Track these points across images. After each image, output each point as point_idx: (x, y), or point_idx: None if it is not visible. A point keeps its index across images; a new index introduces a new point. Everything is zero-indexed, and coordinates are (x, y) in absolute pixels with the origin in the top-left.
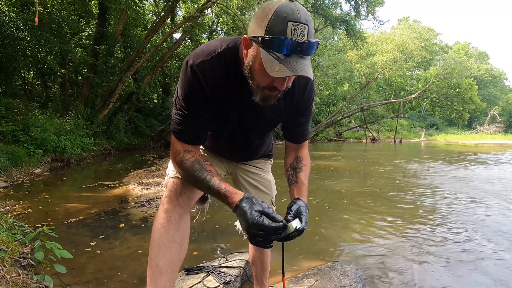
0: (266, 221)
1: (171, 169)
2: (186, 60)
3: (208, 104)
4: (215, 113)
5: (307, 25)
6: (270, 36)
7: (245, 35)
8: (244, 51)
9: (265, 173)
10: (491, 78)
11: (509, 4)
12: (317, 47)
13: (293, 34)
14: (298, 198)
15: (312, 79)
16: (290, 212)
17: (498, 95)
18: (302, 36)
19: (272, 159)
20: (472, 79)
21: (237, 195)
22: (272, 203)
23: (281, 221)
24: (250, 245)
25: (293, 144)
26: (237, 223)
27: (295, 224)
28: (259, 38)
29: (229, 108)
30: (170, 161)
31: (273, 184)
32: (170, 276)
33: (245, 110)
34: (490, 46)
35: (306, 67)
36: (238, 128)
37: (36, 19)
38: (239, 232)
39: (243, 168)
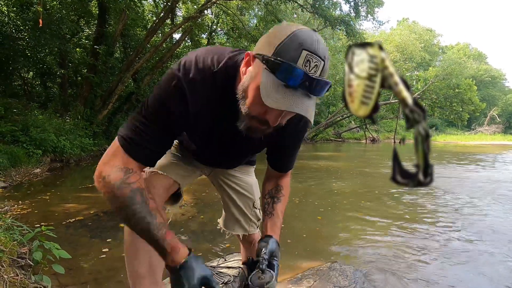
0: None
1: None
2: (174, 69)
3: (184, 124)
4: (195, 131)
5: (323, 61)
6: (278, 58)
7: (248, 51)
8: (243, 68)
9: (246, 176)
10: (490, 79)
11: (508, 5)
12: (328, 91)
13: (305, 66)
14: (270, 236)
15: (312, 123)
16: (264, 256)
17: (497, 96)
18: (315, 71)
19: (254, 165)
20: (471, 79)
21: (181, 253)
22: (255, 207)
23: (262, 269)
24: (242, 249)
25: (277, 172)
26: (220, 221)
27: (268, 279)
28: (265, 57)
29: (213, 129)
30: None
31: (256, 187)
32: (153, 279)
33: (231, 134)
34: (490, 47)
35: (310, 109)
36: (219, 149)
37: (41, 21)
38: (221, 231)
39: (223, 171)
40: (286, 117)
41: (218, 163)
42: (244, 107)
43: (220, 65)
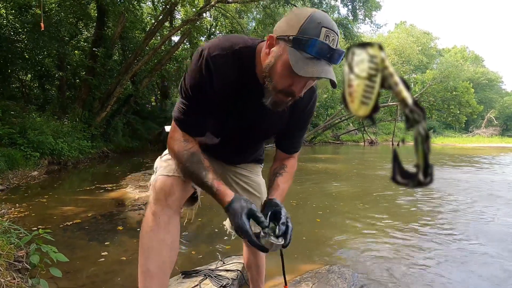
0: (252, 236)
1: (159, 166)
2: (200, 49)
3: (215, 98)
4: (220, 108)
5: (337, 35)
6: (305, 36)
7: (270, 34)
8: (266, 50)
9: (255, 176)
10: (487, 81)
11: (505, 8)
12: (343, 59)
13: (325, 39)
14: (270, 199)
15: (336, 84)
16: (268, 220)
17: (494, 98)
18: (333, 44)
19: (262, 164)
20: (469, 82)
21: (227, 196)
22: None
23: (266, 227)
24: (245, 249)
25: (284, 154)
26: (226, 222)
27: (275, 239)
28: (291, 37)
29: (234, 107)
30: (159, 157)
31: (264, 186)
32: (161, 280)
33: (251, 111)
34: (486, 50)
35: (332, 73)
36: (239, 129)
37: (42, 24)
38: (228, 232)
39: (233, 170)
40: (309, 86)
41: (238, 151)
42: (271, 83)
43: (240, 45)
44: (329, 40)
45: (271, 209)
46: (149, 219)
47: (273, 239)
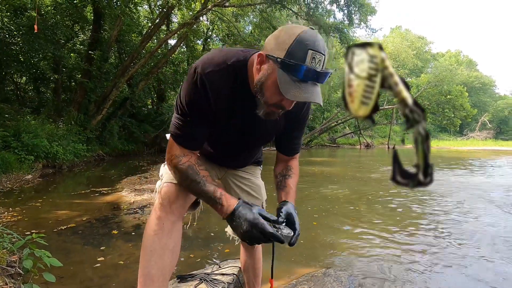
0: (268, 226)
1: (165, 173)
2: (194, 66)
3: (211, 112)
4: (216, 121)
5: (324, 55)
6: (291, 60)
7: (261, 52)
8: (257, 66)
9: (255, 178)
10: (481, 85)
11: (499, 14)
12: (329, 76)
13: (311, 62)
14: (286, 201)
15: (322, 105)
16: (280, 214)
17: (488, 102)
18: (319, 65)
19: (261, 166)
20: (463, 86)
21: (233, 200)
22: (263, 208)
23: (280, 223)
24: (242, 252)
25: (285, 156)
26: (228, 229)
27: (286, 231)
28: (279, 60)
29: (231, 118)
30: (163, 164)
31: (263, 189)
32: (161, 284)
33: (247, 121)
34: (480, 54)
35: (319, 94)
36: (236, 138)
37: (36, 27)
38: (231, 238)
39: (233, 173)
40: (298, 101)
41: (238, 156)
42: (263, 98)
43: (232, 60)
44: (315, 62)
45: (287, 210)
46: (153, 223)
47: (284, 231)
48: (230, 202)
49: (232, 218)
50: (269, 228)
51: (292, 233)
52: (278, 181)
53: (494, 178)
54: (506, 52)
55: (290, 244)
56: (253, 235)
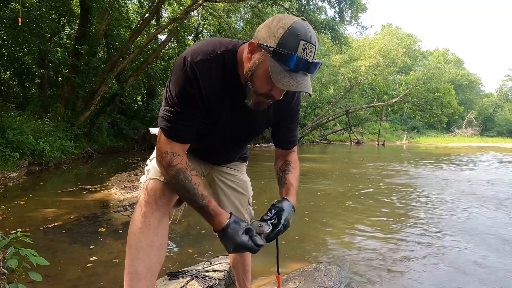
0: (254, 246)
1: (152, 168)
2: (183, 56)
3: (202, 103)
4: (207, 113)
5: (315, 46)
6: (284, 50)
7: (253, 40)
8: (248, 55)
9: (241, 174)
10: (467, 83)
11: (485, 13)
12: (319, 68)
13: (303, 52)
14: (284, 198)
15: (312, 95)
16: (268, 213)
17: (474, 100)
18: (310, 56)
19: (247, 162)
20: (450, 83)
21: (223, 216)
22: (249, 204)
23: (266, 220)
24: None
25: (283, 150)
26: None
27: (267, 228)
28: (271, 49)
29: (222, 110)
30: (150, 159)
31: (249, 185)
32: (149, 282)
33: (237, 112)
34: (467, 52)
35: (309, 84)
36: (227, 130)
37: (19, 19)
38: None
39: (219, 170)
40: (288, 92)
41: (226, 152)
42: (253, 87)
43: (222, 49)
44: (306, 53)
45: (280, 207)
46: (138, 220)
47: (265, 228)
48: (221, 219)
49: (221, 236)
50: (255, 248)
51: (269, 229)
52: (279, 177)
53: (479, 173)
54: (492, 51)
55: (267, 241)
56: (238, 251)
